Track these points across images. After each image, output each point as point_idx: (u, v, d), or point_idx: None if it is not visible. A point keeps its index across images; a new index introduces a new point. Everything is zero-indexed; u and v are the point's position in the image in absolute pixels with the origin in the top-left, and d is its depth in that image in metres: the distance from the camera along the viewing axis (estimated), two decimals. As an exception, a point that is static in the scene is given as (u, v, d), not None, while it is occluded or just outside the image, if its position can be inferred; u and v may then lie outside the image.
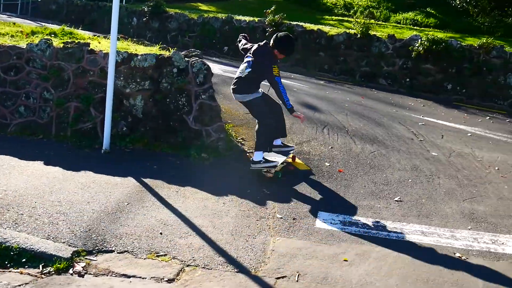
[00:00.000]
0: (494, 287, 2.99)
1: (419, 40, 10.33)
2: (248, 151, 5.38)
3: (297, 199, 4.24)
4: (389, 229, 3.75)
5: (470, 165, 5.65)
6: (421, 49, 10.16)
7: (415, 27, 14.40)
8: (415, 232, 3.74)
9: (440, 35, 11.32)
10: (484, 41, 10.03)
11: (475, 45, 10.13)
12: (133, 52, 5.44)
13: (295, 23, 12.26)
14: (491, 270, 3.21)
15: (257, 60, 4.73)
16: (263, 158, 4.71)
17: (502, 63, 9.76)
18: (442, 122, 7.81)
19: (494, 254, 3.48)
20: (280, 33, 4.88)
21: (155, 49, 5.94)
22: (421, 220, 3.99)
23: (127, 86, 5.33)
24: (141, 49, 5.82)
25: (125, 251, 3.14)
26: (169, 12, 14.79)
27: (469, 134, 7.14)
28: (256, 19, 12.83)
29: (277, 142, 5.12)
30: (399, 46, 10.73)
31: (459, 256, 3.38)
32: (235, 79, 4.88)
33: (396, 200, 4.37)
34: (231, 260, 3.11)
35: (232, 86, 4.92)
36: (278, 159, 4.88)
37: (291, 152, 5.22)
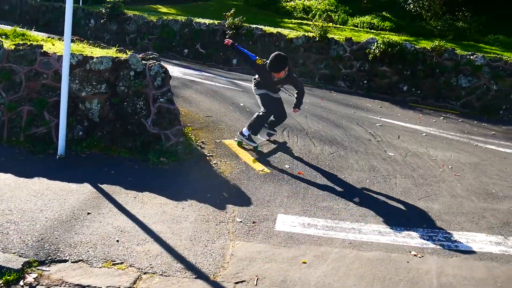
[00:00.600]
0: (448, 283, 3.07)
1: (375, 43, 10.58)
2: (208, 154, 5.33)
3: (257, 202, 4.24)
4: (348, 230, 3.80)
5: (425, 164, 5.83)
6: (377, 52, 10.41)
7: (372, 31, 14.74)
8: (373, 232, 3.81)
9: (395, 38, 11.63)
10: (437, 44, 10.39)
11: (428, 48, 10.47)
12: (88, 55, 5.29)
13: (254, 26, 12.30)
14: (445, 267, 3.30)
15: None
16: (248, 135, 5.55)
17: (453, 65, 10.13)
18: (398, 123, 8.02)
19: (447, 251, 3.59)
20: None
21: (111, 52, 5.80)
22: (379, 220, 4.07)
23: (82, 90, 5.18)
24: (97, 52, 5.67)
25: (79, 260, 3.04)
26: (127, 14, 14.53)
27: (424, 134, 7.36)
28: (216, 22, 12.79)
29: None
30: (356, 49, 10.95)
31: (415, 254, 3.47)
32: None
33: (354, 201, 4.44)
34: (189, 266, 3.07)
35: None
36: (258, 141, 5.74)
37: (272, 135, 5.98)
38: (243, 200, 4.26)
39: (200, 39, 12.85)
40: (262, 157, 5.41)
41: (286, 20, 16.30)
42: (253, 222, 3.81)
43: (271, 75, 5.37)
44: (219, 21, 12.77)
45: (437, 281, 3.07)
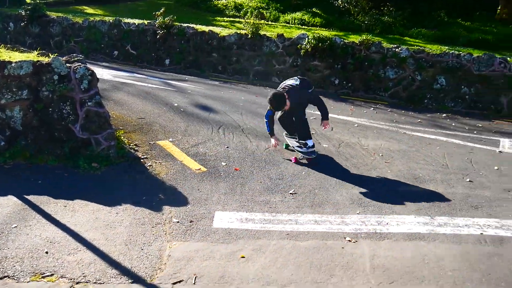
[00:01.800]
0: (380, 264, 3.20)
1: (306, 39, 10.82)
2: (142, 157, 5.21)
3: (194, 201, 4.19)
4: (285, 222, 3.86)
5: (357, 153, 6.03)
6: (308, 47, 10.65)
7: (303, 27, 15.04)
8: (309, 222, 3.89)
9: (325, 33, 11.96)
10: (364, 38, 10.79)
11: (357, 42, 10.85)
12: (6, 59, 4.99)
13: (186, 25, 12.17)
14: (378, 250, 3.44)
15: None
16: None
17: (381, 58, 10.56)
18: (331, 115, 8.16)
19: (379, 234, 3.73)
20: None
21: (32, 56, 5.50)
22: (315, 210, 4.17)
23: (1, 97, 4.88)
24: (16, 56, 5.36)
25: (5, 277, 2.86)
26: (50, 15, 13.86)
27: (356, 125, 7.62)
28: (146, 22, 12.51)
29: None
30: (288, 45, 11.14)
31: (349, 240, 3.58)
32: None
33: (291, 193, 4.51)
34: (125, 271, 2.98)
35: None
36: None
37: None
38: (179, 200, 4.21)
39: (130, 40, 12.52)
40: (198, 156, 5.36)
41: (218, 18, 16.27)
42: (190, 221, 3.77)
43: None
44: (149, 21, 12.51)
45: (370, 264, 3.19)
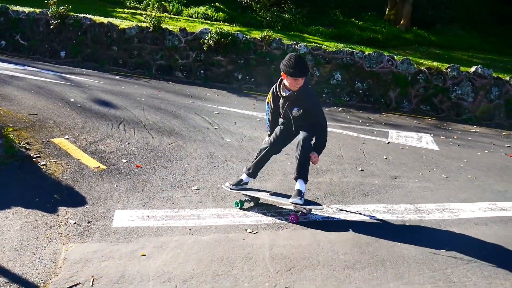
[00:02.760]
0: (279, 253, 3.34)
1: (209, 34, 10.83)
2: (35, 156, 4.88)
3: (93, 201, 4.03)
4: (187, 217, 3.86)
5: (259, 147, 6.18)
6: (211, 42, 10.68)
7: (206, 21, 15.01)
8: (211, 216, 3.93)
9: (228, 28, 12.06)
10: (265, 34, 11.08)
11: (258, 38, 11.09)
12: None
13: (82, 15, 11.56)
14: (277, 239, 3.58)
15: None
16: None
17: (281, 54, 10.90)
18: (235, 110, 8.37)
19: (279, 224, 3.89)
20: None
21: None
22: (217, 204, 4.22)
23: None
24: None
25: None
26: None
27: (258, 119, 7.81)
28: (38, 10, 11.67)
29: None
30: (191, 39, 11.07)
31: (250, 232, 3.68)
32: None
33: (193, 188, 4.52)
34: (15, 279, 2.79)
35: None
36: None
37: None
38: (77, 200, 4.02)
39: (20, 29, 11.61)
40: (97, 154, 5.15)
41: (119, 9, 15.66)
42: (88, 222, 3.62)
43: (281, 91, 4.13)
44: (40, 10, 11.68)
45: (269, 253, 3.32)
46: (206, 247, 3.35)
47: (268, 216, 4.05)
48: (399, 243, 3.68)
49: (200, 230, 3.64)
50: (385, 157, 6.46)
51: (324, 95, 10.84)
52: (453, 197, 5.08)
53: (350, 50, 11.17)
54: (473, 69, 10.91)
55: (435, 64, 11.37)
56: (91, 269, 2.93)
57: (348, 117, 9.26)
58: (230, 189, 4.26)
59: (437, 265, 3.37)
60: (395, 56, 11.16)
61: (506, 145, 8.28)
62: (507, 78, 10.93)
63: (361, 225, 4.03)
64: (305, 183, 4.08)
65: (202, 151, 5.68)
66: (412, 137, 8.05)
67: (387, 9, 18.10)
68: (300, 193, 3.95)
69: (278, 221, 3.95)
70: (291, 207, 4.13)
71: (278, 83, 4.21)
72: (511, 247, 3.87)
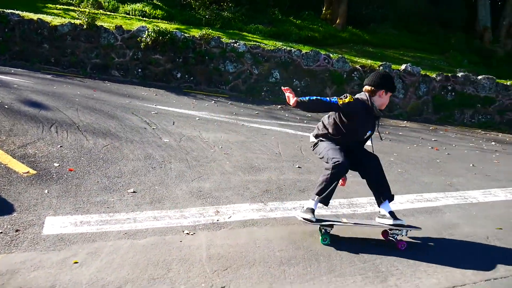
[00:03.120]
0: (216, 253, 3.37)
1: (146, 32, 10.65)
2: (-44, 162, 4.60)
3: (22, 208, 3.86)
4: (123, 221, 3.80)
5: (198, 147, 6.19)
6: (148, 40, 10.50)
7: (144, 19, 14.71)
8: (148, 219, 3.89)
9: (167, 26, 11.90)
10: (204, 32, 11.04)
11: (197, 36, 11.04)
12: None
13: (9, 11, 10.96)
14: (214, 239, 3.61)
15: None
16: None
17: (220, 52, 10.93)
18: (173, 109, 8.29)
19: (217, 224, 3.91)
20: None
21: None
22: (154, 206, 4.18)
23: None
24: None
25: None
26: None
27: (197, 118, 7.79)
28: (-42, 6, 10.95)
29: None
30: (127, 37, 10.83)
31: (187, 233, 3.68)
32: None
33: (130, 191, 4.44)
34: None
35: None
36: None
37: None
38: (3, 208, 3.83)
39: None
40: (26, 158, 4.93)
41: (50, 5, 14.98)
42: (16, 231, 3.47)
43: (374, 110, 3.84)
44: (-38, 5, 10.96)
45: (206, 254, 3.34)
46: (142, 250, 3.31)
47: (206, 216, 4.06)
48: (333, 237, 3.82)
49: (136, 233, 3.60)
50: (321, 153, 6.65)
51: (263, 93, 10.98)
52: (384, 190, 5.32)
53: (288, 48, 11.39)
54: (403, 67, 11.47)
55: (369, 62, 11.84)
56: (18, 281, 2.82)
57: (287, 115, 9.44)
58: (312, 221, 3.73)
59: (367, 257, 3.53)
60: (331, 55, 11.50)
61: (433, 139, 8.79)
62: (434, 75, 11.58)
63: (297, 221, 4.13)
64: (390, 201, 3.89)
65: (139, 152, 5.59)
66: (348, 133, 8.34)
67: (324, 8, 18.59)
68: (393, 214, 3.81)
69: (216, 221, 3.98)
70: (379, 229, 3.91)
71: (368, 98, 3.83)
72: (435, 236, 4.13)
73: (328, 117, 4.03)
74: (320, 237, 3.73)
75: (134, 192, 4.44)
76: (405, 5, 19.69)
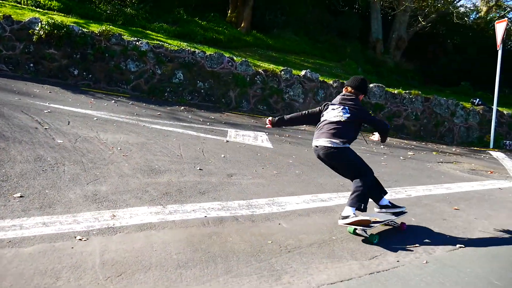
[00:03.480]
0: (110, 259, 3.26)
1: (40, 24, 9.98)
2: None
3: None
4: (7, 228, 3.52)
5: (95, 148, 5.93)
6: (42, 33, 9.85)
7: (38, 9, 13.73)
8: (36, 225, 3.65)
9: (64, 19, 11.22)
10: (104, 28, 10.60)
11: (96, 32, 10.56)
12: None
13: None
14: (109, 244, 3.49)
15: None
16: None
17: (121, 50, 10.58)
18: (69, 108, 7.85)
19: (112, 229, 3.79)
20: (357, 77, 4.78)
21: None
22: (44, 212, 3.93)
23: None
24: None
25: None
26: None
27: (95, 119, 7.46)
28: None
29: (384, 201, 4.72)
30: (17, 28, 10.05)
31: (80, 239, 3.52)
32: (328, 124, 4.51)
33: (16, 196, 4.13)
34: None
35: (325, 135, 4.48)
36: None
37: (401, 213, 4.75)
38: None
39: None
40: None
41: None
42: None
43: None
44: None
45: (100, 260, 3.22)
46: (29, 259, 3.10)
47: (101, 221, 3.91)
48: (231, 239, 3.90)
49: (22, 241, 3.36)
50: (223, 155, 6.73)
51: (166, 94, 10.82)
52: (282, 191, 5.54)
53: (192, 49, 11.35)
54: (303, 72, 11.99)
55: (271, 66, 12.21)
56: None
57: (190, 116, 9.41)
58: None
59: (263, 256, 3.65)
60: (234, 58, 11.67)
61: (329, 142, 9.29)
62: (331, 82, 12.26)
63: (195, 223, 4.15)
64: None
65: (28, 154, 5.22)
66: (249, 135, 8.54)
67: (229, 11, 18.81)
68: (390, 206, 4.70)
69: (111, 225, 3.85)
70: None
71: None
72: (327, 234, 4.38)
73: (346, 122, 4.47)
74: (373, 238, 4.28)
75: (21, 196, 4.14)
76: (306, 13, 20.61)
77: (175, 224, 4.09)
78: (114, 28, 12.07)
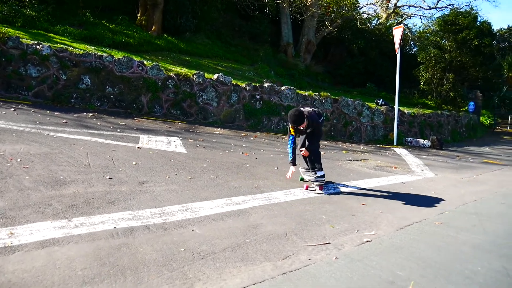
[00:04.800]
0: (5, 281, 3.00)
1: None
2: None
3: None
4: None
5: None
6: None
7: None
8: None
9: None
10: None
11: (-10, 35, 9.76)
12: None
13: None
14: (6, 265, 3.21)
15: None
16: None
17: (20, 54, 9.86)
18: (-41, 118, 7.15)
19: (10, 248, 3.50)
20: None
21: None
22: None
23: None
24: None
25: None
26: None
27: (-9, 128, 6.87)
28: None
29: None
30: None
31: (-29, 262, 3.21)
32: None
33: None
34: None
35: None
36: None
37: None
38: None
39: None
40: None
41: None
42: None
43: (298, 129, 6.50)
44: None
45: (-6, 283, 2.95)
46: None
47: (-4, 240, 3.59)
48: (142, 249, 3.77)
49: None
50: (134, 162, 6.52)
51: (72, 100, 10.27)
52: (196, 196, 5.48)
53: (99, 53, 10.88)
54: (215, 76, 12.00)
55: (183, 70, 12.08)
56: None
57: (99, 123, 9.00)
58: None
59: (176, 265, 3.57)
60: (145, 62, 11.38)
61: (244, 145, 9.39)
62: (244, 85, 12.40)
63: (104, 236, 3.96)
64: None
65: None
66: (162, 141, 8.36)
67: (139, 14, 18.33)
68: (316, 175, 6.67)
69: (9, 244, 3.55)
70: None
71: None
72: (241, 237, 4.40)
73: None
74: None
75: None
76: (218, 17, 20.70)
77: (81, 238, 3.87)
78: (11, 30, 11.24)
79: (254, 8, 22.34)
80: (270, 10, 23.55)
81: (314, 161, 6.65)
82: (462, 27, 24.19)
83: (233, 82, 12.37)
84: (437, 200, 6.81)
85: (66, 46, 10.96)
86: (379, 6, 29.79)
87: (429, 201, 6.71)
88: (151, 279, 3.29)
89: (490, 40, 24.96)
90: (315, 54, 25.41)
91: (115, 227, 4.18)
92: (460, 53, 24.52)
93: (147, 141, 8.15)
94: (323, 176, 6.63)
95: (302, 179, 7.07)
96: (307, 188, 6.64)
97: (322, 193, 6.51)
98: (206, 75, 11.98)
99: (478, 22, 25.04)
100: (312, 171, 6.70)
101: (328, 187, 6.94)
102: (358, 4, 27.60)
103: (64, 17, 15.81)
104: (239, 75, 15.43)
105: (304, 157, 6.74)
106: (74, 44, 12.36)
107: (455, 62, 24.82)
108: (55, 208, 4.42)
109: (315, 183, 6.59)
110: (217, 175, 6.69)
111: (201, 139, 9.25)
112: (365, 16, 28.26)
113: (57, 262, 3.35)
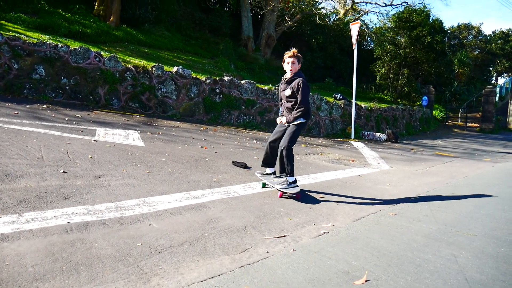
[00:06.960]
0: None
1: None
2: None
3: None
4: None
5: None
6: None
7: None
8: None
9: None
10: None
11: None
12: None
13: None
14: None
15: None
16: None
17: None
18: None
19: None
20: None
21: None
22: None
23: None
24: None
25: None
26: None
27: None
28: None
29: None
30: None
31: None
32: None
33: None
34: None
35: None
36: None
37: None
38: None
39: None
40: None
41: None
42: None
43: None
44: None
45: None
46: None
47: None
48: (97, 244, 3.70)
49: None
50: (90, 156, 6.37)
51: (25, 91, 9.89)
52: (154, 190, 5.42)
53: (54, 43, 10.52)
54: (175, 69, 11.86)
55: (142, 62, 11.86)
56: None
57: (53, 115, 8.72)
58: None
59: (132, 260, 3.53)
60: (102, 53, 11.10)
61: (203, 139, 9.34)
62: (204, 78, 12.32)
63: (57, 231, 3.86)
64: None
65: None
66: (120, 134, 8.20)
67: (96, 4, 17.83)
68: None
69: (-46, 241, 3.40)
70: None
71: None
72: (199, 231, 4.39)
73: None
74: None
75: None
76: (178, 9, 20.42)
77: (33, 233, 3.75)
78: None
79: (214, 1, 22.20)
80: (231, 4, 23.47)
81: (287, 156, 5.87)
82: (416, 24, 24.97)
83: (193, 75, 12.26)
84: (392, 192, 7.02)
85: (19, 35, 10.53)
86: (338, 2, 30.29)
87: (384, 193, 6.91)
88: (106, 275, 3.24)
89: (442, 37, 25.91)
90: (275, 49, 25.53)
91: (69, 222, 4.07)
92: (414, 49, 25.32)
93: (104, 134, 7.96)
94: (295, 181, 6.03)
95: (264, 185, 6.49)
96: (280, 196, 6.07)
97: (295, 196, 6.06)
98: (166, 68, 11.81)
99: (430, 20, 25.92)
100: (281, 177, 6.13)
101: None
102: (317, 0, 27.93)
103: (18, 4, 15.18)
104: (199, 68, 15.31)
105: (273, 152, 6.13)
106: (28, 33, 11.88)
107: (409, 58, 25.61)
108: (5, 203, 4.27)
109: (289, 191, 5.94)
110: (176, 169, 6.64)
111: (160, 133, 9.13)
112: (324, 11, 28.65)
113: (6, 259, 3.24)
